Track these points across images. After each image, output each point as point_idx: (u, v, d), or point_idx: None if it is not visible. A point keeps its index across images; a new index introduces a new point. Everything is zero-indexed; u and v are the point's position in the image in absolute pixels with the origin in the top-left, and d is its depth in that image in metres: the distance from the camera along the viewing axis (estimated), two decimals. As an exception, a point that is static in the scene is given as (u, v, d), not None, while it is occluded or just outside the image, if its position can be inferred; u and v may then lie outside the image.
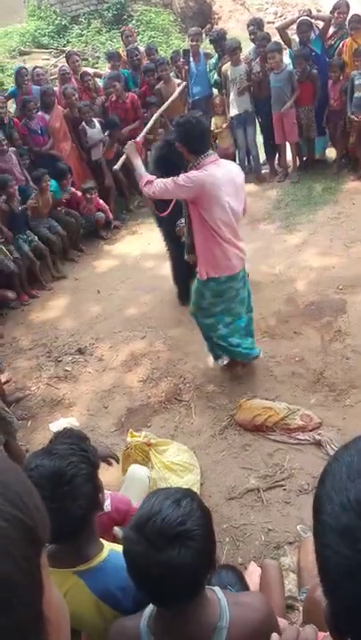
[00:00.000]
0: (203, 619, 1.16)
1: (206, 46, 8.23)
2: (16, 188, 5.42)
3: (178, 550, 1.06)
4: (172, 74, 6.57)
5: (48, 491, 1.27)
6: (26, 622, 0.43)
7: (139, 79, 6.61)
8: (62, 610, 0.53)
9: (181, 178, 2.95)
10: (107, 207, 6.33)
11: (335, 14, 5.91)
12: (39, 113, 6.23)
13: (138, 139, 3.47)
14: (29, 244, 5.54)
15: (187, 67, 6.48)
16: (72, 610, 1.42)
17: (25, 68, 6.89)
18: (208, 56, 6.80)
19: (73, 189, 6.12)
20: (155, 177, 3.10)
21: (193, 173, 2.97)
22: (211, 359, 3.84)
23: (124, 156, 3.41)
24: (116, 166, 3.68)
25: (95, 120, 6.30)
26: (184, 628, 1.15)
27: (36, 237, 5.63)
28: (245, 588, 1.77)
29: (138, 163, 3.20)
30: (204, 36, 9.95)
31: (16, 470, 0.51)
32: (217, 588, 1.27)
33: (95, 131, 6.30)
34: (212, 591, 1.25)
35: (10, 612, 0.40)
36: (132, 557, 1.11)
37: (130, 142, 3.34)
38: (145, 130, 3.78)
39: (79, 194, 6.17)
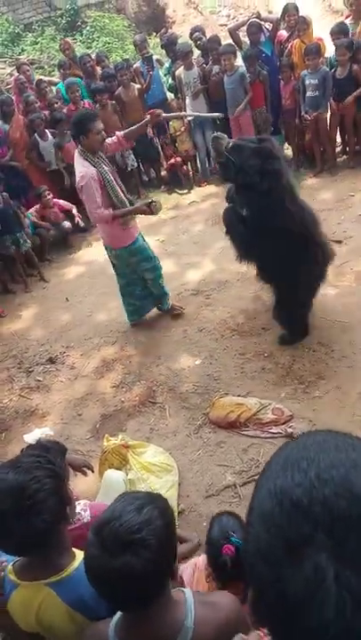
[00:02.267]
0: (167, 620, 1.18)
1: (160, 51, 8.29)
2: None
3: (129, 557, 1.07)
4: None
5: (9, 505, 1.28)
6: None
7: (94, 84, 6.58)
8: None
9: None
10: (70, 205, 6.29)
11: (285, 17, 6.05)
12: (-1, 124, 6.18)
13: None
14: (17, 246, 5.56)
15: (152, 72, 6.51)
16: (46, 621, 1.43)
17: None
18: (159, 62, 6.87)
19: (33, 212, 6.08)
20: None
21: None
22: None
23: None
24: None
25: (47, 132, 6.26)
26: (149, 629, 1.17)
27: (28, 239, 5.70)
28: None
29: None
30: (159, 40, 10.06)
31: None
32: (187, 590, 1.29)
33: (47, 143, 6.27)
34: (180, 592, 1.26)
35: None
36: (88, 559, 1.13)
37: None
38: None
39: (37, 209, 6.15)
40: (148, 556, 1.08)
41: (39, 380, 4.27)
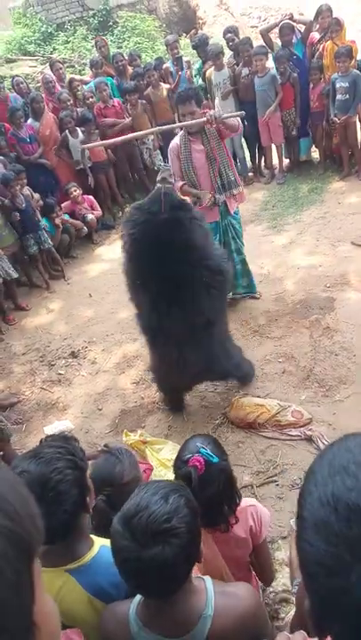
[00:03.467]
0: (188, 607, 1.19)
1: (191, 52, 8.32)
2: (24, 181, 5.53)
3: (162, 547, 1.07)
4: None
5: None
6: (16, 634, 0.44)
7: (124, 84, 6.66)
8: (54, 616, 0.54)
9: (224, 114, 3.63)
10: (97, 204, 6.37)
11: (319, 19, 6.01)
12: (29, 121, 6.28)
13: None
14: (39, 245, 5.60)
15: (180, 73, 6.56)
16: (65, 608, 1.46)
17: None
18: (188, 63, 6.90)
19: (60, 215, 6.08)
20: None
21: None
22: None
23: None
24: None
25: (78, 129, 6.35)
26: (170, 615, 1.19)
27: (48, 239, 5.72)
28: (221, 450, 1.65)
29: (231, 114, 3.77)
30: (189, 41, 10.09)
31: (12, 479, 0.51)
32: (207, 578, 1.30)
33: (77, 140, 6.33)
34: (200, 580, 1.28)
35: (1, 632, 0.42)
36: (118, 550, 1.13)
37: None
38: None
39: (66, 208, 6.22)
40: (179, 543, 1.09)
41: (61, 374, 4.33)
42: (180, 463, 1.58)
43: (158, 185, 2.78)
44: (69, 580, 1.41)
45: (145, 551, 1.07)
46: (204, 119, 3.48)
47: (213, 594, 1.23)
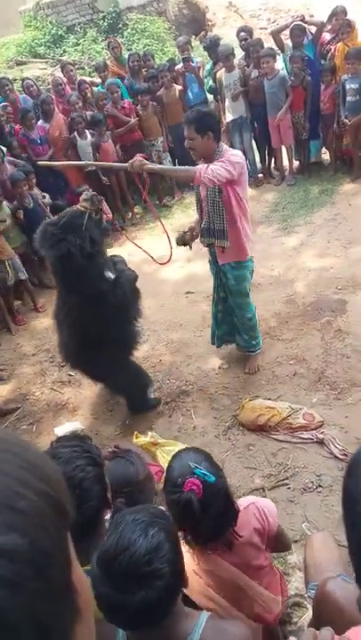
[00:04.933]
0: (175, 630, 1.16)
1: (201, 53, 8.32)
2: (33, 181, 5.56)
3: (145, 592, 1.03)
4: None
5: None
6: (60, 590, 0.44)
7: (136, 85, 6.67)
8: (88, 586, 0.54)
9: (230, 157, 3.02)
10: (107, 208, 6.38)
11: (333, 20, 5.99)
12: (39, 122, 6.31)
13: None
14: None
15: (186, 74, 6.57)
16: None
17: (6, 78, 6.97)
18: (191, 67, 6.89)
19: None
20: (204, 164, 3.00)
21: (232, 152, 3.11)
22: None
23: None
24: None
25: (87, 131, 6.36)
26: (157, 637, 1.16)
27: None
28: (216, 466, 1.52)
29: (164, 167, 3.24)
30: (199, 42, 10.10)
31: (40, 451, 0.52)
32: (205, 612, 1.25)
33: (86, 142, 6.34)
34: (196, 612, 1.25)
35: (48, 579, 0.41)
36: (98, 596, 1.06)
37: (137, 162, 3.11)
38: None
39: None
40: (162, 585, 1.05)
41: (71, 375, 4.33)
42: (172, 487, 1.39)
43: (81, 204, 3.08)
44: (87, 582, 1.41)
45: (127, 597, 1.03)
46: (127, 165, 3.19)
47: (204, 624, 1.19)
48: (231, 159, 3.01)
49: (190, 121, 3.04)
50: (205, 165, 2.97)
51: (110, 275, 3.25)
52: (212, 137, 3.01)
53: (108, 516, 1.69)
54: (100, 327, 3.19)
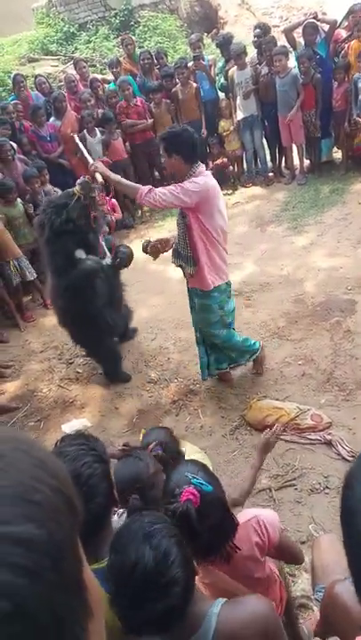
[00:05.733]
0: (195, 610, 1.18)
1: (212, 51, 8.29)
2: (47, 177, 5.60)
3: (163, 601, 1.06)
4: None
5: None
6: (73, 585, 0.45)
7: (149, 82, 6.66)
8: (97, 586, 0.55)
9: (187, 184, 2.92)
10: (118, 207, 6.38)
11: (350, 18, 5.93)
12: (51, 120, 6.31)
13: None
14: None
15: (196, 71, 6.55)
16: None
17: (20, 74, 7.00)
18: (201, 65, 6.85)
19: None
20: (150, 186, 2.98)
21: (198, 178, 2.95)
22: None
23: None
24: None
25: (97, 129, 6.36)
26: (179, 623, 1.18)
27: None
28: (212, 476, 1.53)
29: (116, 177, 3.13)
30: (211, 40, 10.07)
31: (47, 449, 0.53)
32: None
33: (95, 140, 6.33)
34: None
35: (62, 572, 0.42)
36: (117, 610, 1.10)
37: (98, 164, 3.25)
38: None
39: None
40: (179, 589, 1.07)
41: (78, 372, 4.34)
42: (170, 498, 1.39)
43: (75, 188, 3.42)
44: (96, 582, 1.41)
45: (147, 610, 1.05)
46: (90, 162, 3.39)
47: (223, 602, 1.22)
48: (188, 186, 2.89)
49: (161, 139, 3.03)
50: (149, 188, 2.94)
51: (82, 255, 3.52)
52: (179, 159, 2.93)
53: (115, 517, 1.70)
54: (67, 303, 3.61)
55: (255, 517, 1.65)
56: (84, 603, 0.46)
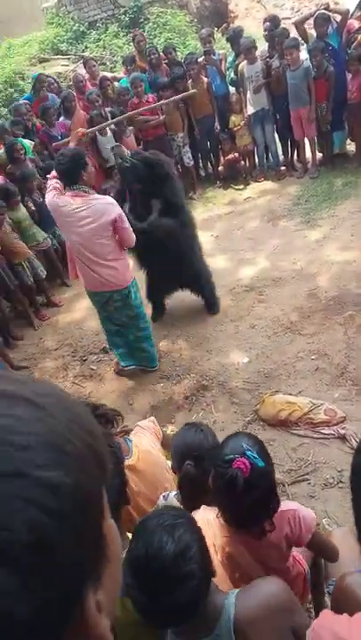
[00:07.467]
0: (212, 604, 1.20)
1: (223, 46, 8.24)
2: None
3: (178, 594, 1.08)
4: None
5: None
6: (93, 533, 0.47)
7: (159, 78, 6.64)
8: (117, 536, 0.57)
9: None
10: None
11: None
12: (60, 119, 6.35)
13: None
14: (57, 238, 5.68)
15: (207, 66, 6.53)
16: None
17: (44, 74, 7.06)
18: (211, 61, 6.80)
19: None
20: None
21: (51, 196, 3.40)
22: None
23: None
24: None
25: (107, 129, 6.36)
26: (197, 619, 1.20)
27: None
28: (266, 454, 1.55)
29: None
30: (221, 35, 10.00)
31: (87, 410, 0.55)
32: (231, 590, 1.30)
33: (106, 139, 6.33)
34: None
35: (84, 520, 0.44)
36: (134, 601, 1.14)
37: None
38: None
39: None
40: (193, 583, 1.09)
41: (93, 369, 4.38)
42: (221, 462, 1.43)
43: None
44: (117, 535, 1.43)
45: (163, 601, 1.08)
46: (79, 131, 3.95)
47: (237, 591, 1.24)
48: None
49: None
50: (56, 180, 3.43)
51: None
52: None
53: (161, 499, 1.71)
54: (187, 237, 4.23)
55: (294, 511, 1.66)
56: (102, 552, 0.49)
